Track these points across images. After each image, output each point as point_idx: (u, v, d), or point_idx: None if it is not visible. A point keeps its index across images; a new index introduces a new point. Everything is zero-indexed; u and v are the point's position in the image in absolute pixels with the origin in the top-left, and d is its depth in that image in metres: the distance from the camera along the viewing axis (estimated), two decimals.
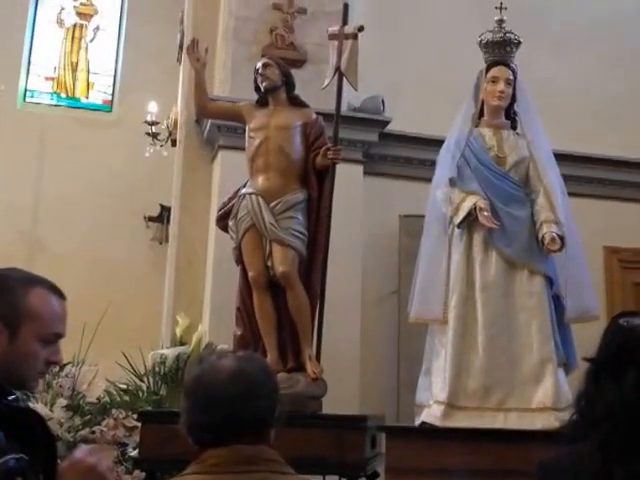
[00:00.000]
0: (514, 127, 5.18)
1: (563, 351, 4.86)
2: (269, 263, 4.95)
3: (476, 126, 5.11)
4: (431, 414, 4.74)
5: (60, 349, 2.17)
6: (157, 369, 5.61)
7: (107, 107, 10.99)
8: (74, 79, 10.77)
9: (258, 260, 4.97)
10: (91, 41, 11.02)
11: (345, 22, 5.11)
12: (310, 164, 5.08)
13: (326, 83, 5.11)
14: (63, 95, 10.91)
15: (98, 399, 5.41)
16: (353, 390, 5.77)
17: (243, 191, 5.06)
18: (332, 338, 5.16)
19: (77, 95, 10.81)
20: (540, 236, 4.84)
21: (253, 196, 4.98)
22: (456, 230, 4.94)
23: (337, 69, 5.05)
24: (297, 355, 4.98)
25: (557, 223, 4.86)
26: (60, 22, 10.99)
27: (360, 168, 6.30)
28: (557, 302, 4.89)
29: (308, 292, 5.00)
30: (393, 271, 6.23)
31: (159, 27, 9.75)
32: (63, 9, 11.04)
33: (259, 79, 5.20)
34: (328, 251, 5.06)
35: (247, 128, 5.18)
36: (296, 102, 5.24)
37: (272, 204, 4.95)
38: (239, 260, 5.08)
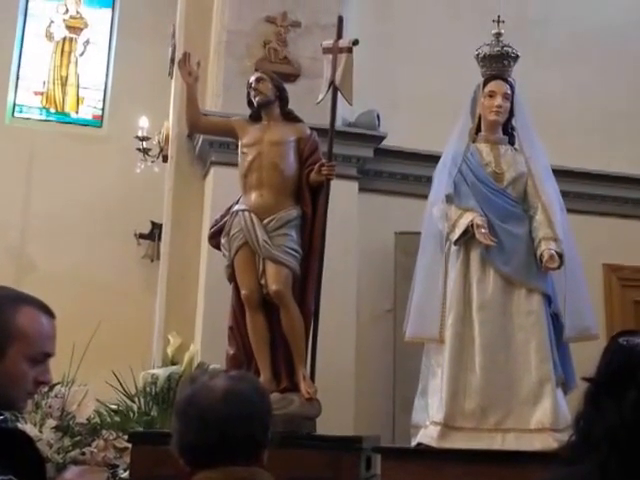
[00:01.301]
0: (512, 142, 5.11)
1: (562, 370, 4.76)
2: (262, 281, 4.87)
3: (473, 141, 5.04)
4: (427, 435, 4.63)
5: (49, 369, 2.13)
6: (148, 389, 5.51)
7: (97, 122, 10.85)
8: (64, 94, 10.64)
9: (251, 278, 4.89)
10: (81, 55, 10.89)
11: (340, 36, 5.05)
12: (304, 180, 5.01)
13: (320, 98, 5.03)
14: (52, 110, 10.77)
15: (88, 420, 5.29)
16: (348, 410, 5.65)
17: (236, 208, 4.99)
18: (326, 357, 5.08)
19: (67, 110, 10.68)
20: (539, 253, 4.75)
21: (246, 213, 4.91)
22: (453, 247, 4.84)
23: (331, 83, 4.98)
24: (291, 375, 4.90)
25: (556, 240, 4.77)
26: (49, 36, 10.86)
27: (355, 184, 6.20)
28: (556, 321, 4.79)
29: (302, 311, 4.92)
30: (388, 289, 6.13)
31: (150, 41, 9.67)
32: (52, 22, 10.92)
33: (252, 94, 5.12)
34: (322, 269, 4.98)
35: (240, 144, 5.11)
36: (290, 117, 5.17)
37: (265, 221, 4.88)
38: (232, 278, 5.00)
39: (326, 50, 5.02)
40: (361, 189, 6.23)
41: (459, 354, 4.69)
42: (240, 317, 4.98)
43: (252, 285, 4.88)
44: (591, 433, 1.99)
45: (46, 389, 4.96)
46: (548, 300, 4.77)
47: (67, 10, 10.99)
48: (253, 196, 4.95)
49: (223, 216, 5.08)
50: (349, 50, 4.96)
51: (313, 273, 4.98)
